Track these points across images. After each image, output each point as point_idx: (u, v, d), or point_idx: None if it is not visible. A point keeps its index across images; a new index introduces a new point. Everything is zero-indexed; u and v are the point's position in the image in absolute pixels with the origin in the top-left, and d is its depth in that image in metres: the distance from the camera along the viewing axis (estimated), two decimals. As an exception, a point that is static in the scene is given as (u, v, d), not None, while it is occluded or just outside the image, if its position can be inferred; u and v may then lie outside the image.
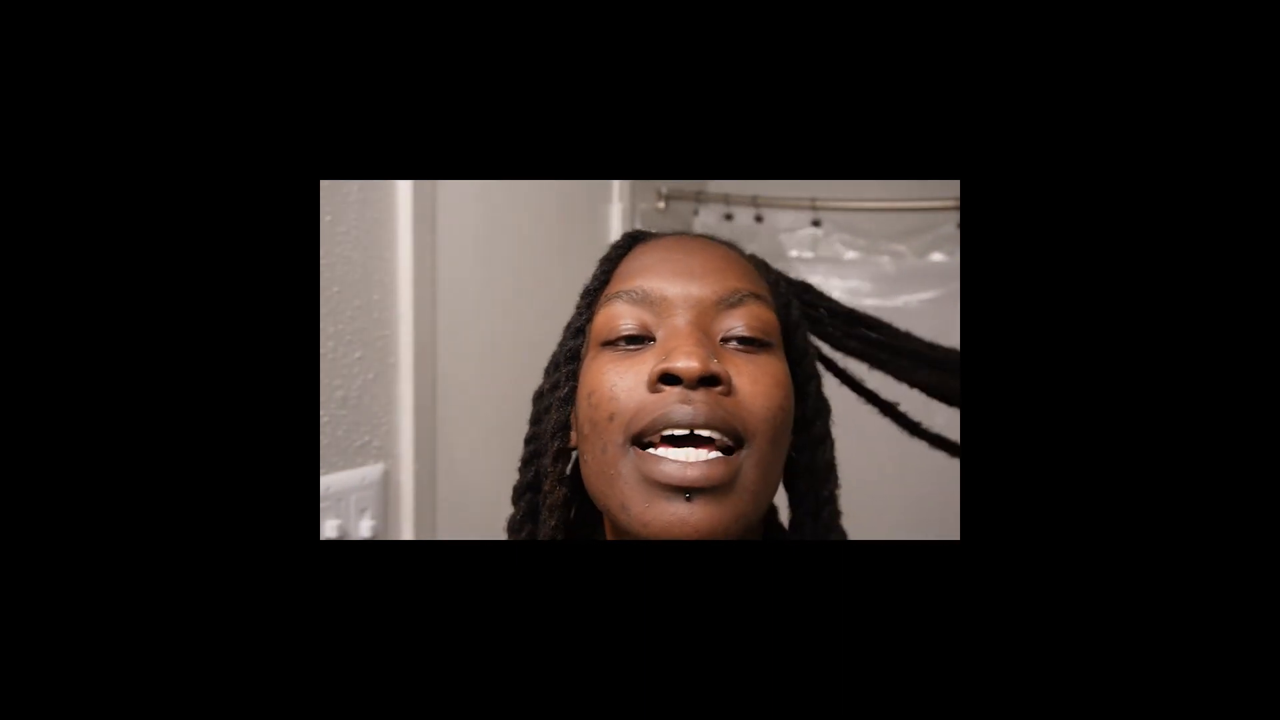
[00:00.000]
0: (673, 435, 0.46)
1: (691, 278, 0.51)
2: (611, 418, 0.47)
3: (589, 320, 0.54)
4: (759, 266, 0.58)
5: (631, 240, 0.58)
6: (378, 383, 1.01)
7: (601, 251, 0.57)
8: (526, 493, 0.58)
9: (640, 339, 0.50)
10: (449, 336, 1.14)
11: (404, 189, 1.03)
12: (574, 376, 0.54)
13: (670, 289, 0.50)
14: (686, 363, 0.45)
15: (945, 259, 2.15)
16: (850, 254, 2.24)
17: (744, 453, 0.47)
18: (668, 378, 0.46)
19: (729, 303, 0.50)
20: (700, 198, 2.09)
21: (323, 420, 0.93)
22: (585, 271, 0.59)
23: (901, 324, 0.68)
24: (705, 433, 0.45)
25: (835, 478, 0.55)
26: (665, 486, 0.45)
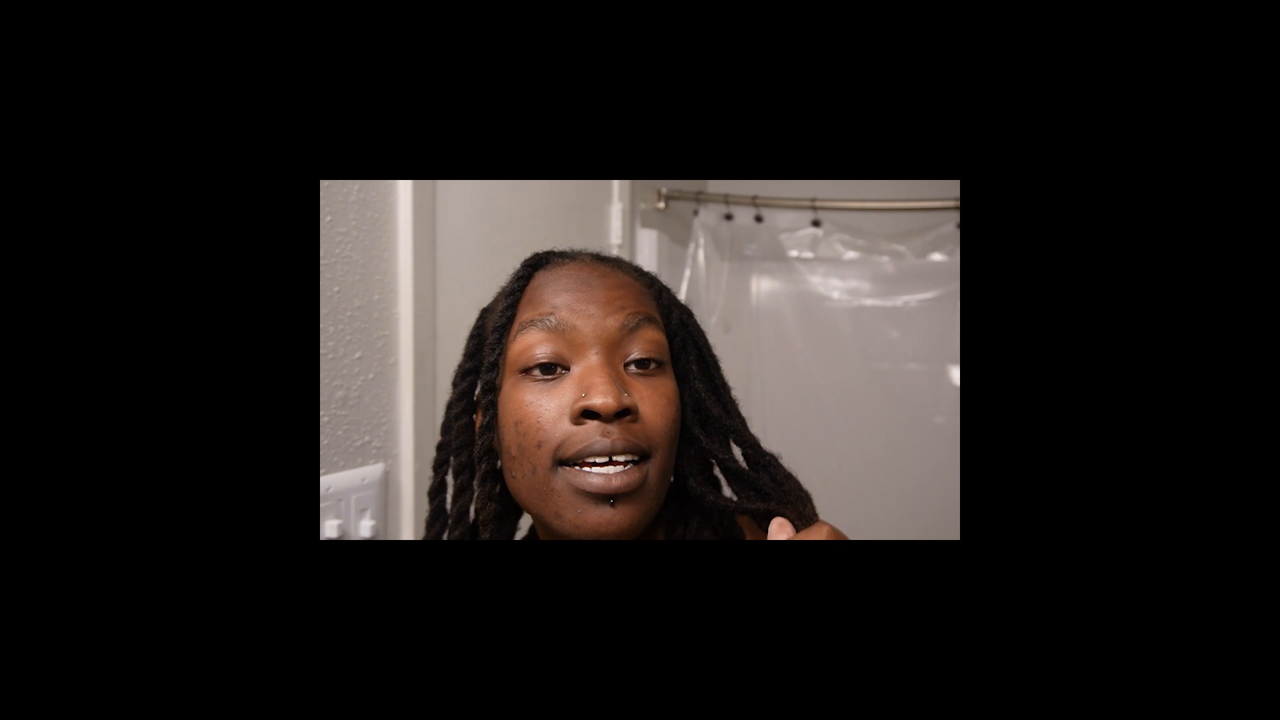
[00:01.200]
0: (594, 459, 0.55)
1: (597, 306, 0.58)
2: (540, 445, 0.55)
3: (503, 352, 0.60)
4: (645, 280, 0.64)
5: (531, 268, 0.63)
6: (378, 383, 1.01)
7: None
8: (437, 496, 0.67)
9: (554, 367, 0.57)
10: (449, 336, 1.14)
11: (404, 189, 1.03)
12: (494, 406, 0.60)
13: (580, 321, 0.57)
14: (604, 401, 0.54)
15: (945, 259, 2.15)
16: (850, 254, 2.24)
17: (648, 463, 0.56)
18: (589, 413, 0.54)
19: (628, 328, 0.58)
20: (700, 198, 2.09)
21: (323, 420, 0.93)
22: None
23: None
24: (620, 456, 0.55)
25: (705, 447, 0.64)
26: (594, 496, 0.54)
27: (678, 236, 2.10)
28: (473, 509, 0.62)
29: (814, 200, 2.04)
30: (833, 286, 2.22)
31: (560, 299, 0.58)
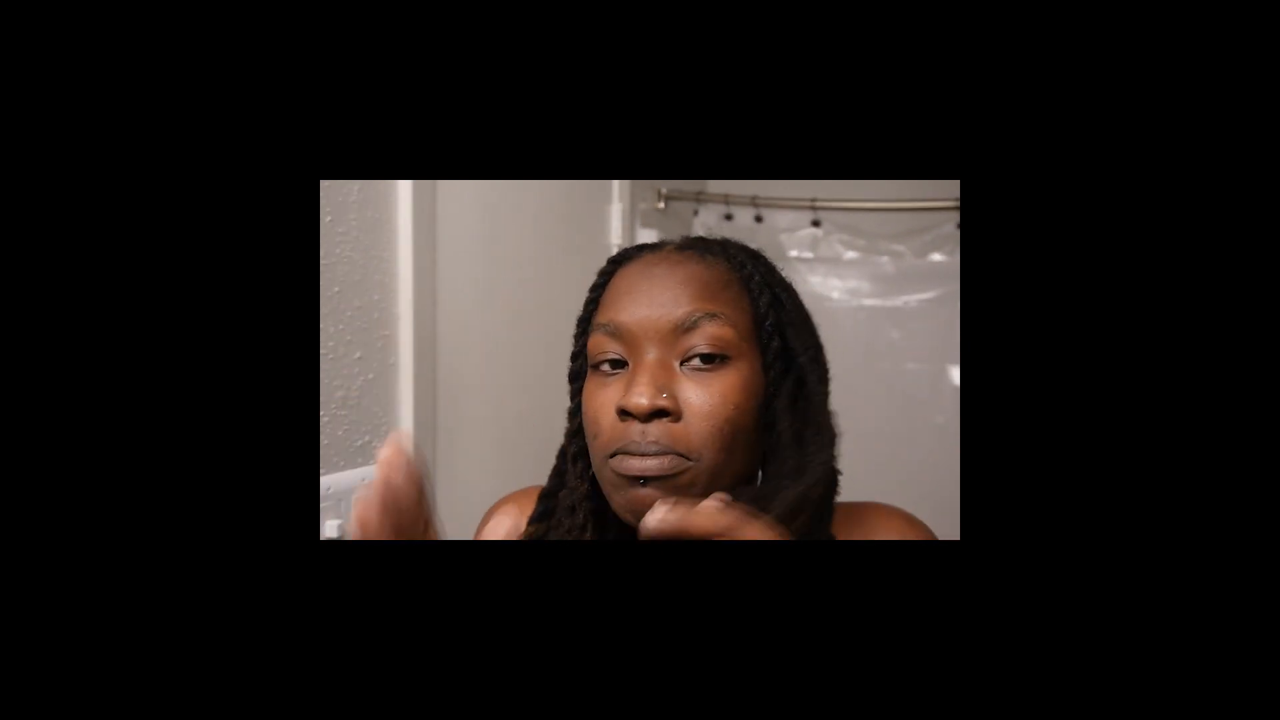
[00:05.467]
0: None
1: (651, 306, 0.59)
2: (595, 437, 0.59)
3: (584, 346, 0.63)
4: (734, 265, 0.63)
5: (614, 264, 0.65)
6: (378, 383, 1.01)
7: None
8: (550, 498, 0.69)
9: (621, 363, 0.60)
10: (449, 336, 1.14)
11: (404, 189, 1.03)
12: (579, 394, 0.65)
13: (635, 322, 0.59)
14: (636, 402, 0.56)
15: (945, 259, 2.15)
16: (850, 254, 2.24)
17: (693, 464, 0.56)
18: (625, 412, 0.57)
19: (685, 327, 0.58)
20: (700, 198, 2.09)
21: (323, 420, 0.93)
22: (585, 271, 0.61)
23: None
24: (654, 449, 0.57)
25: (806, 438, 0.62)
26: (629, 478, 0.57)
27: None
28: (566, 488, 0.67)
29: (814, 200, 2.04)
30: (832, 286, 2.22)
31: (621, 300, 0.60)
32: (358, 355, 0.98)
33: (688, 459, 0.56)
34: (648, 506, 0.52)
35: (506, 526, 0.72)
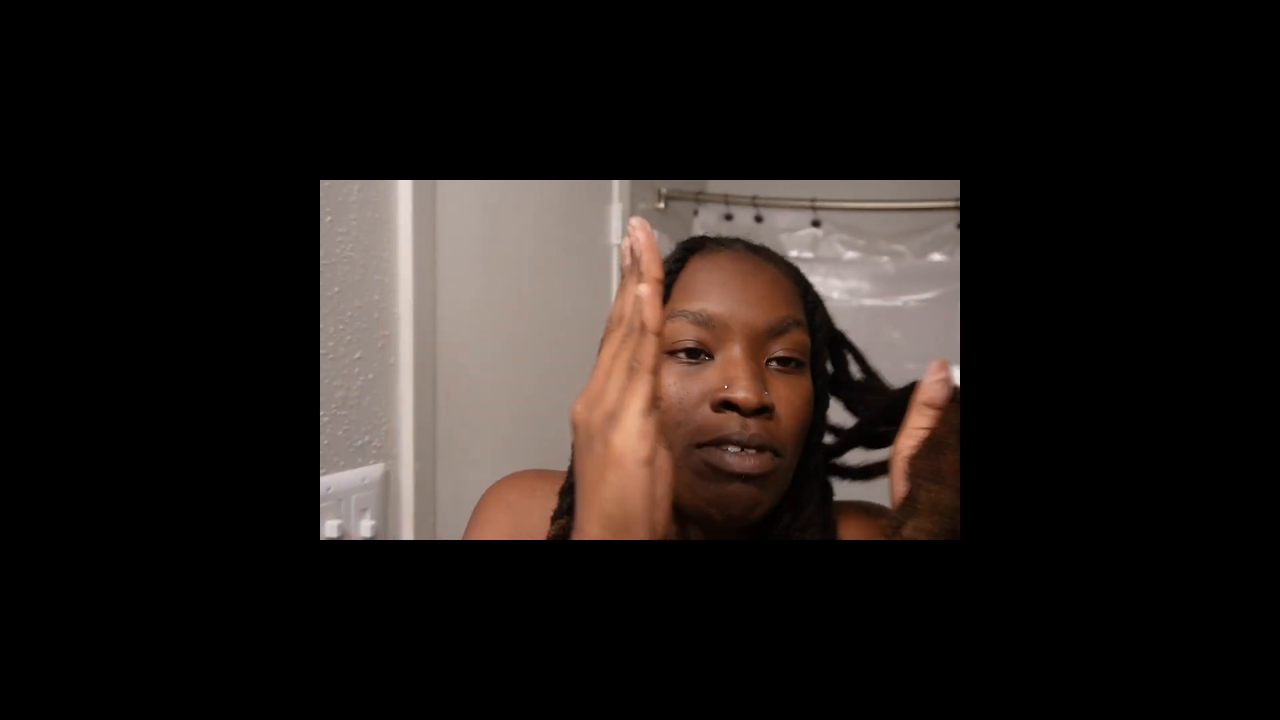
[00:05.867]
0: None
1: (747, 305, 0.60)
2: (678, 425, 0.58)
3: None
4: (794, 276, 0.66)
5: (686, 252, 0.65)
6: (378, 383, 1.01)
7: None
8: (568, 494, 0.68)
9: (699, 353, 0.60)
10: (449, 336, 1.14)
11: (404, 189, 1.03)
12: None
13: (729, 315, 0.59)
14: (746, 397, 0.56)
15: (945, 259, 2.15)
16: (850, 254, 2.24)
17: (780, 460, 0.59)
18: (730, 405, 0.57)
19: (776, 330, 0.60)
20: (700, 198, 2.09)
21: (323, 420, 0.93)
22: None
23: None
24: (753, 446, 0.58)
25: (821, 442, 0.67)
26: (725, 474, 0.57)
27: (678, 237, 2.10)
28: None
29: (814, 200, 2.04)
30: (833, 286, 2.22)
31: (712, 291, 0.60)
32: (358, 355, 0.98)
33: (779, 455, 0.58)
34: (741, 504, 0.57)
35: (506, 519, 0.72)
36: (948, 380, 0.53)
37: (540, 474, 0.73)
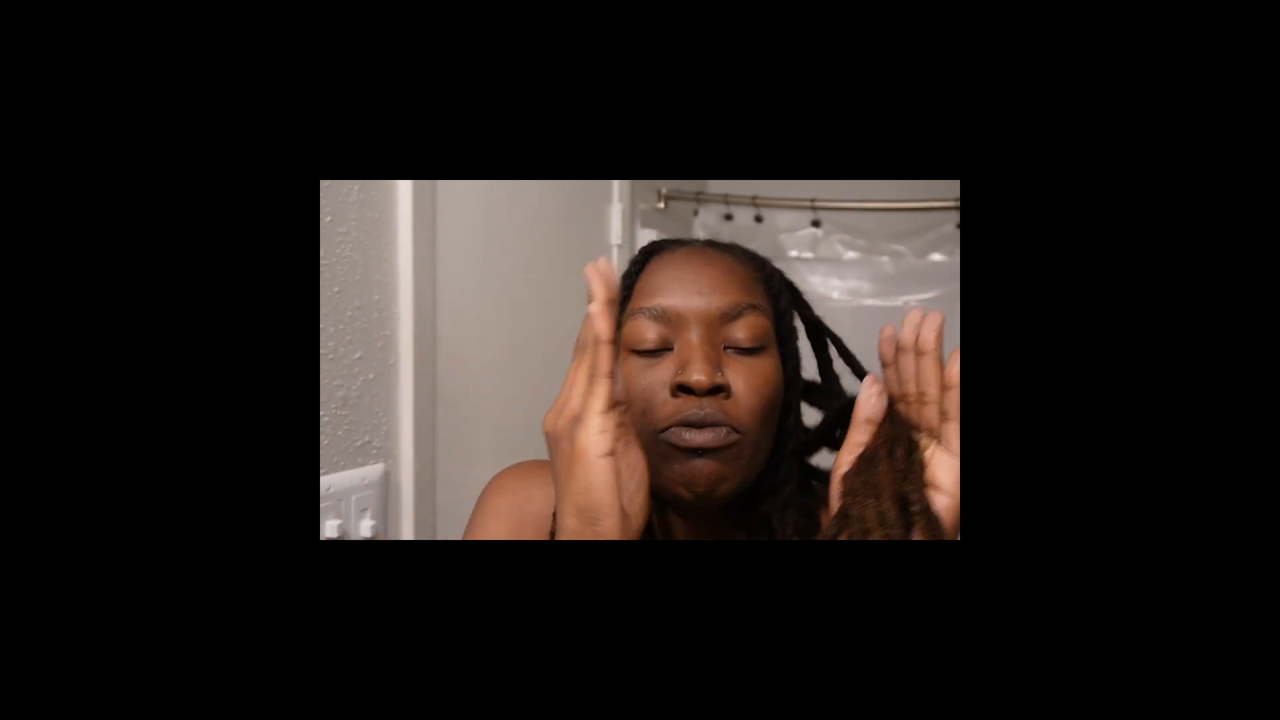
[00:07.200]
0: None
1: (699, 294, 0.62)
2: (644, 413, 0.61)
3: (619, 327, 0.65)
4: (756, 265, 0.68)
5: (647, 254, 0.68)
6: (378, 383, 1.01)
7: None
8: None
9: (659, 350, 0.62)
10: (449, 337, 1.14)
11: (404, 189, 1.03)
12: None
13: (683, 306, 0.62)
14: (699, 379, 0.59)
15: (945, 259, 2.15)
16: (850, 254, 2.24)
17: (741, 436, 0.60)
18: (685, 388, 0.59)
19: (730, 315, 0.62)
20: (700, 198, 2.09)
21: (323, 420, 0.93)
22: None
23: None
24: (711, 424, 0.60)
25: (800, 425, 0.69)
26: (684, 450, 0.60)
27: (678, 236, 2.10)
28: None
29: (813, 200, 2.04)
30: (832, 286, 2.22)
31: (668, 287, 0.63)
32: (358, 355, 0.98)
33: (738, 431, 0.60)
34: (703, 478, 0.60)
35: (507, 505, 0.73)
36: (882, 395, 0.57)
37: (540, 462, 0.75)
